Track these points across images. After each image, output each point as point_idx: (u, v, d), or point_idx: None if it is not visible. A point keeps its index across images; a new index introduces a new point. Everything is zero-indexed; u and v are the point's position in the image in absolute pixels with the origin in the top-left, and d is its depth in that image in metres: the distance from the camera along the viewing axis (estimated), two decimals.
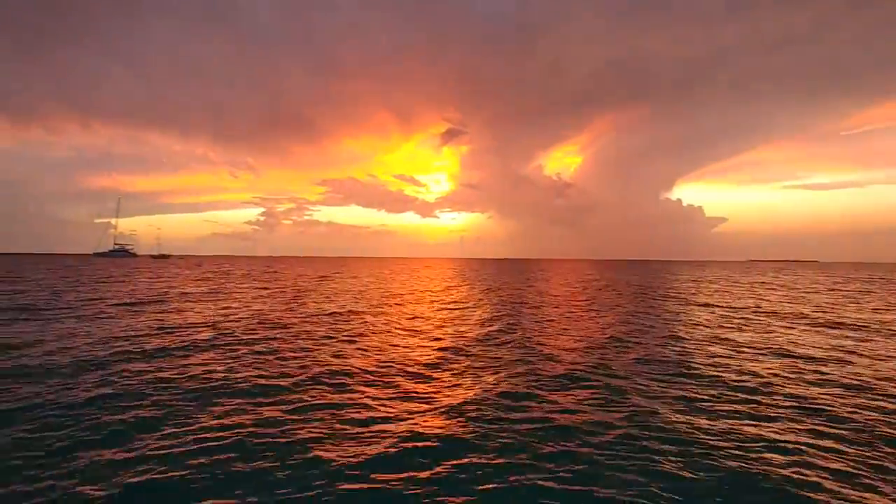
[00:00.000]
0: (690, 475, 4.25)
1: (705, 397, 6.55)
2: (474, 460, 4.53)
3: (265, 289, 25.75)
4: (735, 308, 17.86)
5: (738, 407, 6.16)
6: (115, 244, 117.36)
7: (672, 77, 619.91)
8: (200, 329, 11.83)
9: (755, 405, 6.24)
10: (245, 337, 10.79)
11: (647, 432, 5.20)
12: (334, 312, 15.54)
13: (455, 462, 4.49)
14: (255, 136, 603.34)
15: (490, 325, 13.04)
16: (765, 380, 7.44)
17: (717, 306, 18.45)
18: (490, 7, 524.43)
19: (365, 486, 4.04)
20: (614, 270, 68.86)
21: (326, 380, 7.29)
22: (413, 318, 14.80)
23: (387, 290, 26.41)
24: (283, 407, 5.99)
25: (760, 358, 9.10)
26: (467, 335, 11.46)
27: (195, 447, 4.72)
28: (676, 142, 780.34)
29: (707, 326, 13.09)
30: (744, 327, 13.02)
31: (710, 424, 5.48)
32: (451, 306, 18.20)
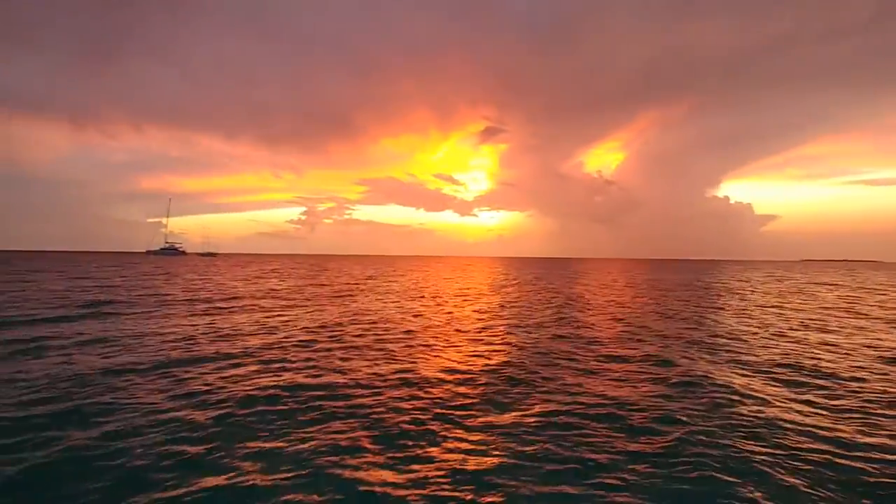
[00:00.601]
0: None
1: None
2: None
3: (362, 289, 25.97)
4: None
5: None
6: (166, 242, 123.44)
7: (719, 69, 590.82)
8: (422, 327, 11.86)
9: None
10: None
11: None
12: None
13: None
14: (296, 136, 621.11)
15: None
16: None
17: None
18: (529, 1, 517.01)
19: None
20: (669, 270, 66.18)
21: None
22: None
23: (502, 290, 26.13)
24: None
25: None
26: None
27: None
28: (724, 137, 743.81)
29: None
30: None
31: None
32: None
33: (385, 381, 6.99)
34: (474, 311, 15.97)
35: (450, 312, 15.36)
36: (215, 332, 10.93)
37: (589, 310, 16.32)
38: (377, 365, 7.97)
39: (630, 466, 4.26)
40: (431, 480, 3.96)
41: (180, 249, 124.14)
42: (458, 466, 4.23)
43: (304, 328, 11.63)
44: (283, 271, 44.87)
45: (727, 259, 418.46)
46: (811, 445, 4.73)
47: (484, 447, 4.66)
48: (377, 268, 61.07)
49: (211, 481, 3.89)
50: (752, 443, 4.77)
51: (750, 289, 28.04)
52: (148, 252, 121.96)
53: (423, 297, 20.85)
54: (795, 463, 4.34)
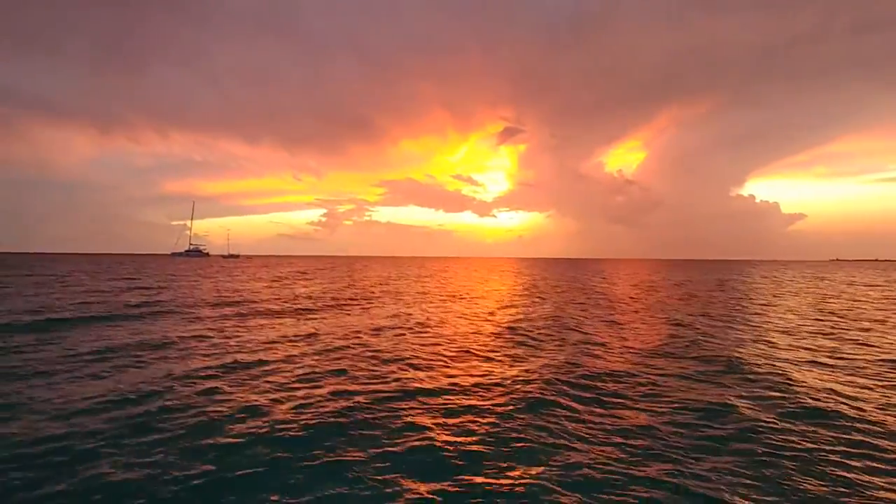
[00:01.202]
0: None
1: None
2: None
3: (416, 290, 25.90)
4: None
5: None
6: (191, 245, 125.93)
7: (743, 66, 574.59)
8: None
9: None
10: None
11: None
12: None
13: None
14: (316, 139, 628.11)
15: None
16: None
17: None
18: (556, 2, 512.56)
19: None
20: (698, 271, 64.55)
21: None
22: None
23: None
24: None
25: None
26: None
27: None
28: (748, 134, 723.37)
29: None
30: None
31: None
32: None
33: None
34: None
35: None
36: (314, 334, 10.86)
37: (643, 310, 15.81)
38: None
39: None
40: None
41: (204, 251, 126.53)
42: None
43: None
44: (311, 272, 45.13)
45: (754, 259, 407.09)
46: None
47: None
48: (411, 268, 61.01)
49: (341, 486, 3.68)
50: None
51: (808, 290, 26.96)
52: (173, 254, 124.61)
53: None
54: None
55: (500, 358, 8.46)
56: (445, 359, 8.33)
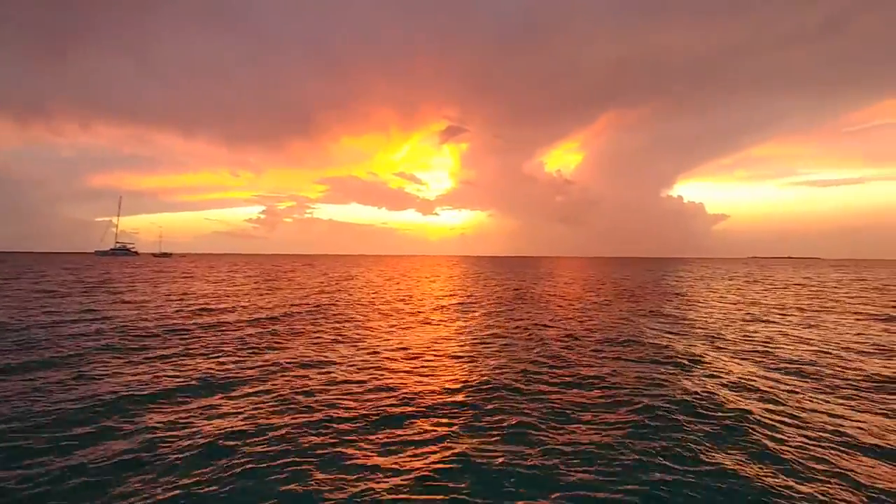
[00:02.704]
0: None
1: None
2: None
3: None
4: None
5: None
6: (117, 242, 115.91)
7: (675, 75, 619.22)
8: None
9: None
10: None
11: None
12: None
13: None
14: (256, 134, 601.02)
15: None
16: None
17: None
18: (493, 4, 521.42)
19: None
20: (633, 269, 67.92)
21: None
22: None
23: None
24: None
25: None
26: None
27: None
28: (678, 139, 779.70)
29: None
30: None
31: None
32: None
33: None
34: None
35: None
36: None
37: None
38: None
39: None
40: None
41: (132, 250, 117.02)
42: None
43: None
44: (245, 272, 42.66)
45: (682, 257, 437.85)
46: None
47: None
48: (367, 268, 59.35)
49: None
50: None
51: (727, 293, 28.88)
52: (97, 252, 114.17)
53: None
54: None
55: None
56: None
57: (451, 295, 22.53)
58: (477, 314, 15.28)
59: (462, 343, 10.39)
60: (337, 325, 12.68)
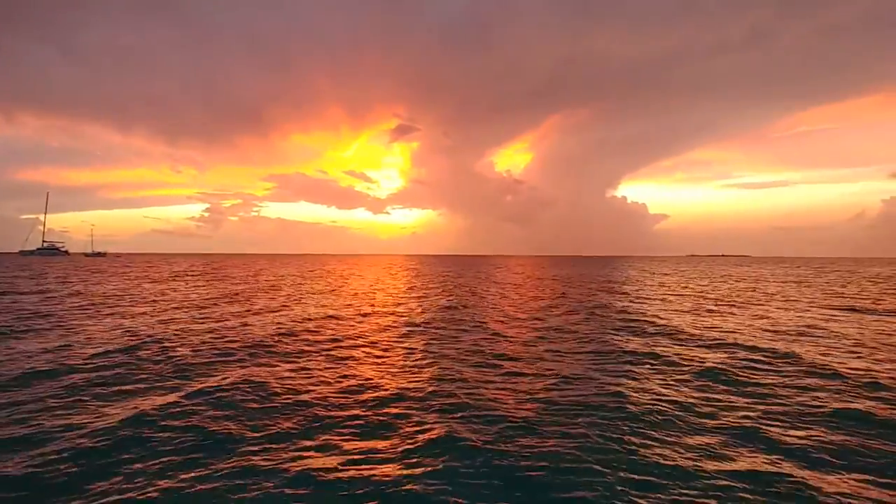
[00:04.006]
0: None
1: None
2: None
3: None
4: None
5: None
6: (45, 242, 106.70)
7: (619, 78, 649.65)
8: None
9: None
10: None
11: None
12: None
13: None
14: (199, 129, 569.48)
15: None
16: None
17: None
18: (442, 4, 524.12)
19: None
20: (580, 267, 70.56)
21: None
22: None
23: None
24: None
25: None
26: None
27: None
28: (622, 141, 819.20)
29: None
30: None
31: None
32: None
33: None
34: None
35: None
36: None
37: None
38: None
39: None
40: None
41: (62, 249, 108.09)
42: None
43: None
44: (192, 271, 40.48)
45: (630, 255, 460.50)
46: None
47: None
48: (311, 267, 57.72)
49: None
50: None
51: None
52: (22, 252, 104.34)
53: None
54: None
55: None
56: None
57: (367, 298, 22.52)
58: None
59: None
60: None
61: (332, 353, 9.18)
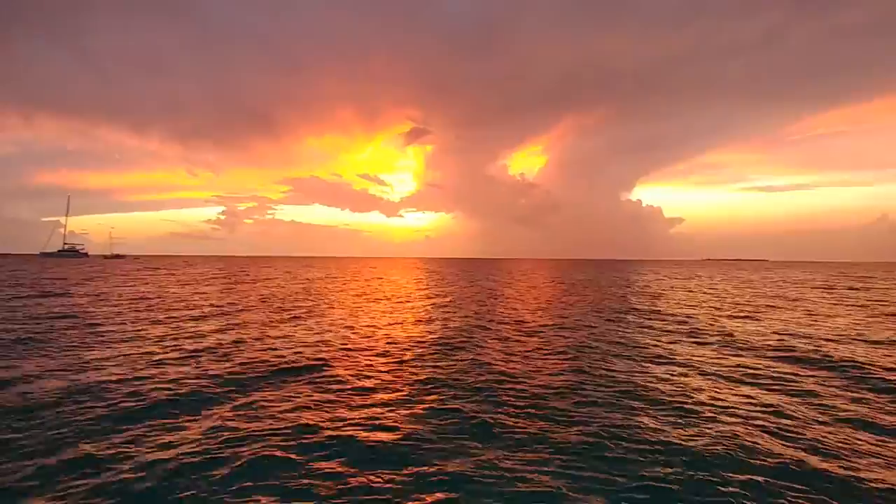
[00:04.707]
0: None
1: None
2: None
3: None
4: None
5: None
6: (65, 244, 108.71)
7: (633, 80, 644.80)
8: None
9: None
10: None
11: None
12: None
13: None
14: (214, 132, 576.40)
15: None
16: None
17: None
18: (456, 6, 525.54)
19: None
20: (603, 270, 69.81)
21: None
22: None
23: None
24: None
25: None
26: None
27: None
28: (637, 143, 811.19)
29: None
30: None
31: None
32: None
33: None
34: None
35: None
36: None
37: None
38: None
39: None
40: None
41: (81, 251, 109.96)
42: None
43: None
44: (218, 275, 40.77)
45: (645, 259, 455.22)
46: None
47: None
48: (341, 271, 57.93)
49: None
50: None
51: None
52: (42, 254, 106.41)
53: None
54: None
55: None
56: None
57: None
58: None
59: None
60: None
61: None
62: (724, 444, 4.84)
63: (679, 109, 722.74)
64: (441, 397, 6.53)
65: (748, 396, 6.63)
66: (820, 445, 4.92)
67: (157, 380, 7.13)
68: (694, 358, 9.10)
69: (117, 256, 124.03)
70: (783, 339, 11.03)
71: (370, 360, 8.77)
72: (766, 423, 5.51)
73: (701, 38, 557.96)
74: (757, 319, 14.69)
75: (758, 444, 4.90)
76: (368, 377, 7.61)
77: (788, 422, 5.60)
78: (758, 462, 4.48)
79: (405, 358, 9.00)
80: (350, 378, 7.50)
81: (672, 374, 7.85)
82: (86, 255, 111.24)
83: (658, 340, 11.00)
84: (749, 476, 4.19)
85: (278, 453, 4.59)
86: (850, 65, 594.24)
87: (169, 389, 6.64)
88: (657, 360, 8.96)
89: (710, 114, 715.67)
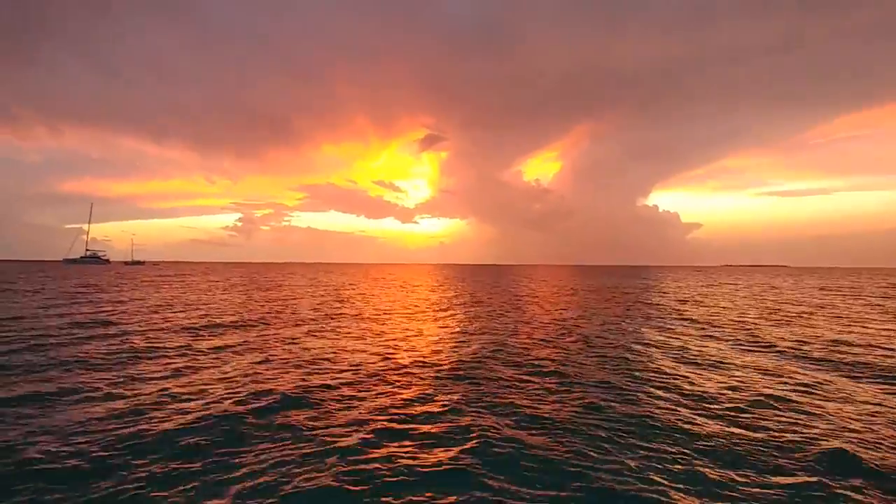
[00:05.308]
0: None
1: None
2: None
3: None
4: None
5: None
6: (88, 250, 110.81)
7: (651, 84, 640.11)
8: None
9: None
10: None
11: None
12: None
13: None
14: (231, 140, 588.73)
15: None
16: None
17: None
18: (470, 12, 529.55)
19: None
20: (619, 277, 68.67)
21: None
22: None
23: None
24: None
25: None
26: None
27: None
28: (653, 149, 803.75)
29: None
30: None
31: None
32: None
33: None
34: None
35: None
36: None
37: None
38: None
39: None
40: None
41: (103, 257, 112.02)
42: None
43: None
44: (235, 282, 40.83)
45: (663, 265, 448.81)
46: None
47: None
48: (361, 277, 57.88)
49: None
50: None
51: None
52: (66, 260, 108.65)
53: None
54: None
55: None
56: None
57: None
58: None
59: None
60: None
61: None
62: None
63: (697, 113, 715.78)
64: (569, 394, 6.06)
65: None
66: None
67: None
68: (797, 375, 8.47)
69: (137, 263, 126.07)
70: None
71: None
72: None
73: (719, 41, 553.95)
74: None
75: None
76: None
77: None
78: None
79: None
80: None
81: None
82: (107, 261, 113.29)
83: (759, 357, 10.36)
84: None
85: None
86: (870, 67, 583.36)
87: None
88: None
89: (729, 118, 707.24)
